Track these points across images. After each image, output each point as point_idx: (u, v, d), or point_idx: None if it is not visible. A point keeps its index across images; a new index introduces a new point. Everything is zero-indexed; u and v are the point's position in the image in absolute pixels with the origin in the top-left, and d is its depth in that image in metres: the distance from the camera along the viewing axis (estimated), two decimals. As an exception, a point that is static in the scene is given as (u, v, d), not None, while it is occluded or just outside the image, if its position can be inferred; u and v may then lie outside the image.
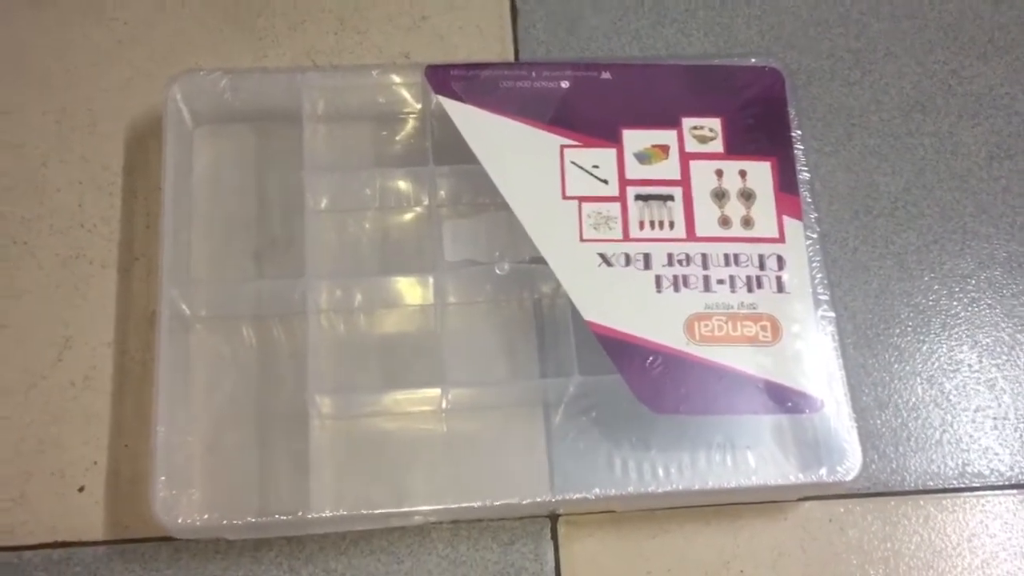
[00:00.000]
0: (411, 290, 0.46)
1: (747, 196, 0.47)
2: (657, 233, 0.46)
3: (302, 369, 0.43)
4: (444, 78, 0.48)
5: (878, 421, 0.48)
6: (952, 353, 0.50)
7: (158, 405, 0.42)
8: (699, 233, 0.46)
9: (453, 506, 0.42)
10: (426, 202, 0.48)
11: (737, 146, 0.48)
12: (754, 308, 0.45)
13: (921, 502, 0.47)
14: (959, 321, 0.51)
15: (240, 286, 0.47)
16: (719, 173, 0.47)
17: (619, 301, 0.44)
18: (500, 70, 0.49)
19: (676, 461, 0.44)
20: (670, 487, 0.43)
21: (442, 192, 0.48)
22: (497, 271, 0.45)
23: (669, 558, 0.45)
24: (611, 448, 0.44)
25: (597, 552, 0.45)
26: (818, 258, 0.46)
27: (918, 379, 0.49)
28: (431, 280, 0.45)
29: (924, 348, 0.50)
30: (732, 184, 0.47)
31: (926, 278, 0.51)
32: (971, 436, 0.49)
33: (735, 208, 0.47)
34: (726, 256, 0.46)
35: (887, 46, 0.56)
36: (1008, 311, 0.51)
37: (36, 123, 0.51)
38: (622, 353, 0.43)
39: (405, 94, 0.49)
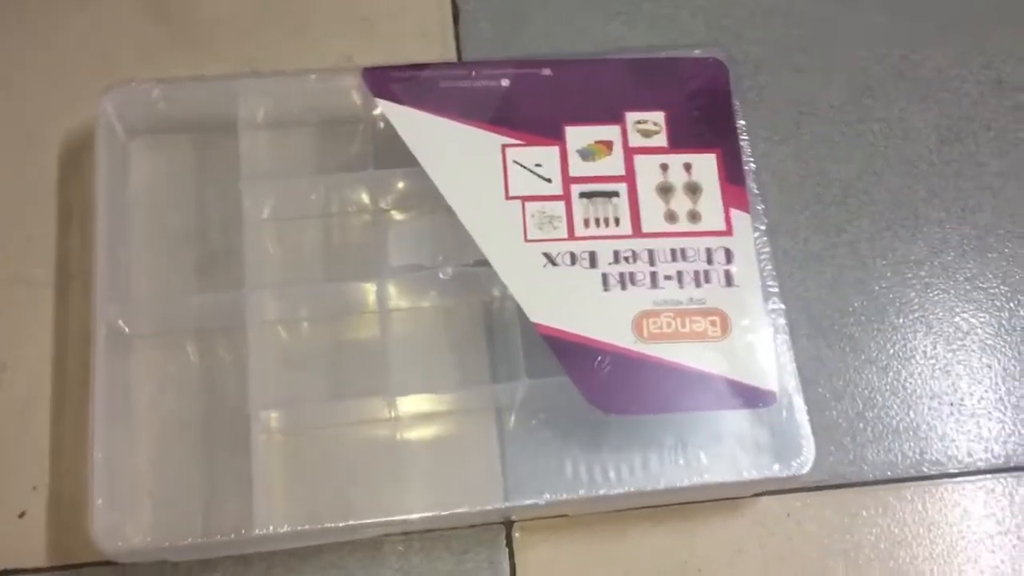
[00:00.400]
0: (355, 297, 0.45)
1: (693, 189, 0.46)
2: (603, 231, 0.45)
3: (244, 383, 0.42)
4: (383, 80, 0.47)
5: (834, 412, 0.48)
6: (907, 340, 0.50)
7: (94, 427, 0.41)
8: (645, 229, 0.45)
9: (402, 518, 0.41)
10: (369, 207, 0.47)
11: (682, 139, 0.47)
12: (703, 303, 0.44)
13: (880, 492, 0.47)
14: (913, 308, 0.50)
15: (180, 301, 0.46)
16: (664, 167, 0.47)
17: (566, 301, 0.44)
18: (439, 70, 0.48)
19: (628, 462, 0.43)
20: (622, 489, 0.42)
21: (387, 197, 0.47)
22: (441, 275, 0.44)
23: (626, 560, 0.44)
24: (563, 452, 0.43)
25: (553, 557, 0.44)
26: (766, 250, 0.45)
27: (873, 368, 0.49)
28: (374, 286, 0.44)
29: (879, 337, 0.49)
30: (678, 178, 0.46)
31: (879, 265, 0.51)
32: (928, 424, 0.48)
33: (681, 202, 0.46)
34: (673, 251, 0.45)
35: (834, 32, 0.55)
36: (962, 295, 0.51)
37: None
38: (570, 354, 0.43)
39: (345, 98, 0.48)
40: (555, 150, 0.46)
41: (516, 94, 0.47)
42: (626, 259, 0.45)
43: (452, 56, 0.53)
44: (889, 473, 0.47)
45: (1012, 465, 0.48)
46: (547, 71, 0.48)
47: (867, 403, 0.48)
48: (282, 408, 0.43)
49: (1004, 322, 0.50)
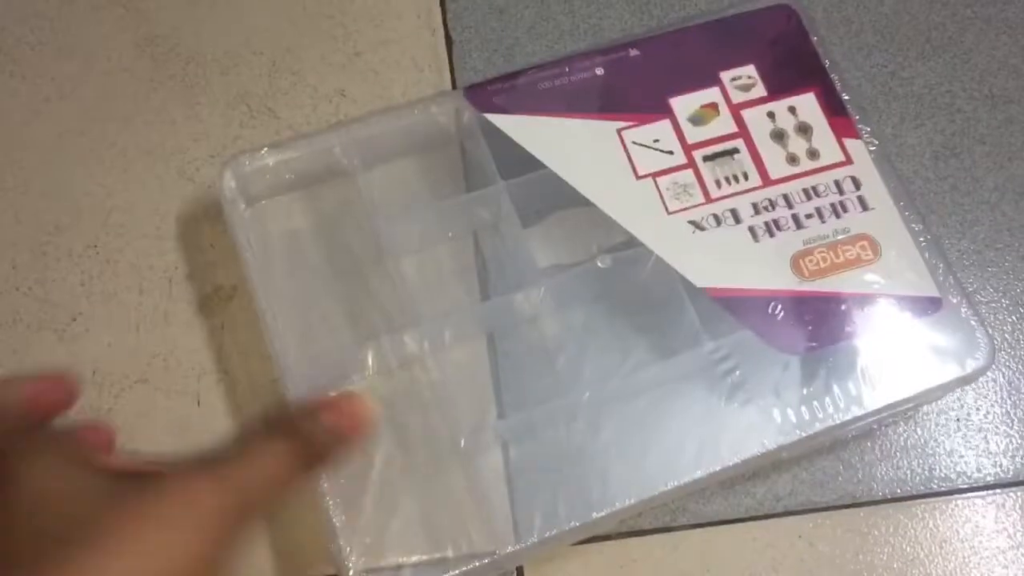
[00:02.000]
0: (524, 306, 0.46)
1: (804, 129, 0.48)
2: (735, 187, 0.47)
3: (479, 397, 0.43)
4: (484, 96, 0.48)
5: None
6: None
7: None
8: (773, 176, 0.47)
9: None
10: (505, 219, 0.48)
11: (778, 86, 0.49)
12: (848, 232, 0.46)
13: (890, 511, 0.47)
14: None
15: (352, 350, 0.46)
16: (771, 115, 0.48)
17: (723, 261, 0.45)
18: (535, 74, 0.49)
19: (830, 398, 0.44)
20: (839, 419, 0.44)
21: (524, 205, 0.47)
22: (600, 264, 0.46)
23: None
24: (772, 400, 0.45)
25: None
26: (886, 166, 0.48)
27: None
28: (539, 291, 0.45)
29: None
30: (787, 122, 0.48)
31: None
32: (936, 440, 0.48)
33: (797, 144, 0.48)
34: (805, 191, 0.47)
35: (824, 52, 0.53)
36: None
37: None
38: (743, 309, 0.44)
39: (444, 121, 0.49)
40: (667, 123, 0.48)
41: (613, 80, 0.49)
42: (765, 208, 0.46)
43: (447, 85, 0.54)
44: (899, 491, 0.47)
45: (1022, 479, 0.48)
46: (635, 51, 0.50)
47: None
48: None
49: (1007, 335, 0.50)
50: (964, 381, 0.45)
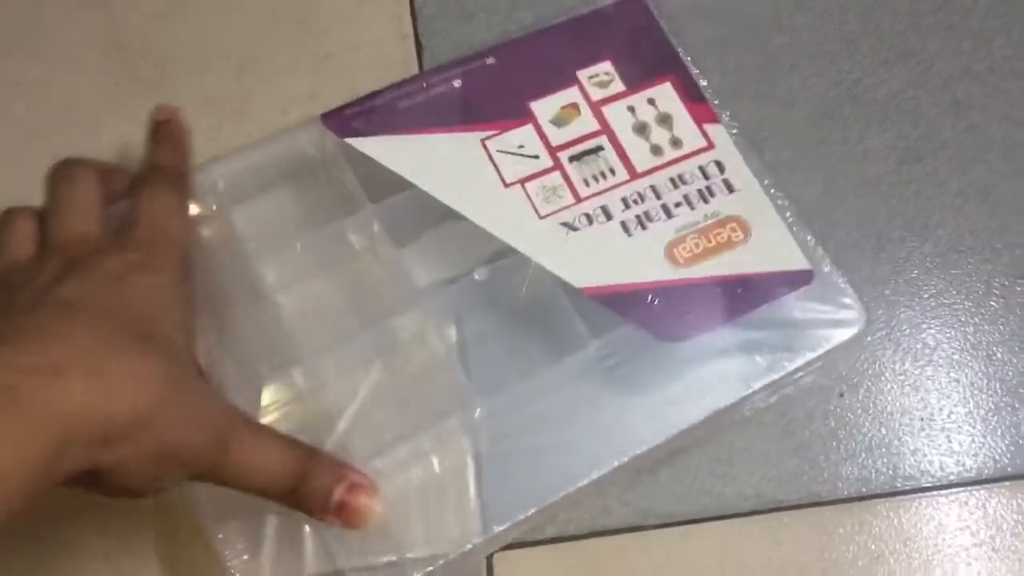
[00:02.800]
0: (409, 328, 0.46)
1: (664, 120, 0.49)
2: (604, 184, 0.47)
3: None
4: (342, 120, 0.47)
5: (807, 432, 0.49)
6: (876, 358, 0.50)
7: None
8: (639, 169, 0.48)
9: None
10: (376, 243, 0.47)
11: (635, 79, 0.50)
12: (717, 215, 0.47)
13: (855, 509, 0.48)
14: (880, 326, 0.51)
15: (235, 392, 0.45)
16: (631, 109, 0.49)
17: (599, 258, 0.46)
18: (391, 92, 0.48)
19: (716, 380, 0.45)
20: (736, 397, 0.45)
21: (395, 226, 0.47)
22: (477, 276, 0.46)
23: None
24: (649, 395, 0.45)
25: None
26: (748, 148, 0.48)
27: (844, 385, 0.50)
28: (418, 311, 0.45)
29: (848, 357, 0.50)
30: (647, 114, 0.49)
31: (842, 285, 0.49)
32: (900, 439, 0.49)
33: (660, 134, 0.49)
34: (672, 180, 0.47)
35: (791, 59, 0.56)
36: (928, 312, 0.51)
37: None
38: (623, 303, 0.45)
39: (313, 148, 0.48)
40: (530, 128, 0.48)
41: (471, 89, 0.49)
42: (635, 202, 0.47)
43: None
44: (864, 489, 0.48)
45: (984, 477, 0.49)
46: (490, 59, 0.50)
47: (839, 421, 0.49)
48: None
49: (970, 336, 0.51)
50: (844, 348, 0.46)
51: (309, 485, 0.38)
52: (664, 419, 0.44)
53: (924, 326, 0.51)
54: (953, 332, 0.51)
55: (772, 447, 0.49)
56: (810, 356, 0.45)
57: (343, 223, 0.47)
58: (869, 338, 0.51)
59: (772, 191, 0.48)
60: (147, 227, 0.40)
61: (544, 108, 0.48)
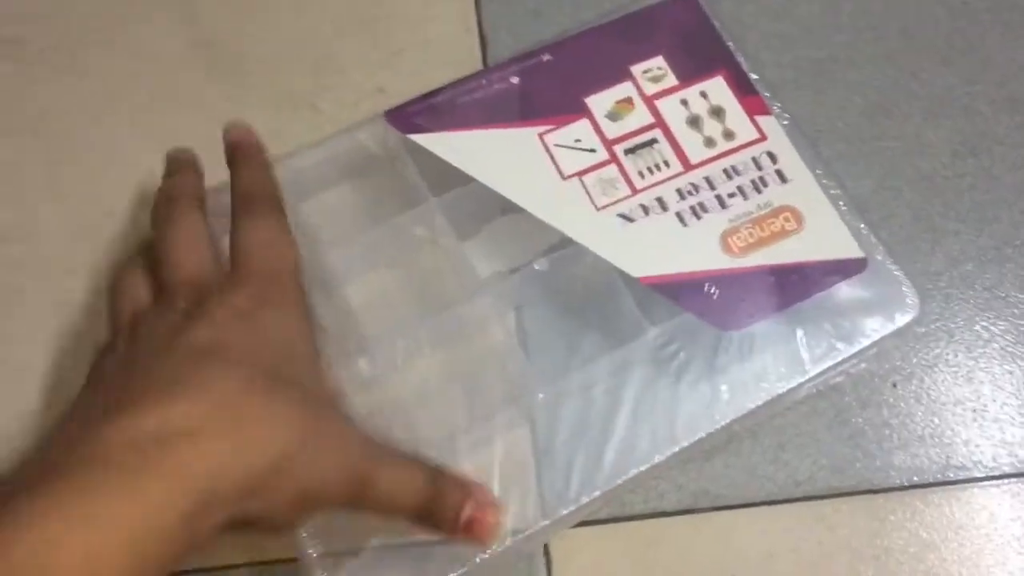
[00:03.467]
0: (471, 316, 0.47)
1: (717, 112, 0.50)
2: (658, 176, 0.48)
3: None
4: (405, 116, 0.49)
5: (860, 419, 0.50)
6: (929, 349, 0.51)
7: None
8: (693, 161, 0.49)
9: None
10: (441, 234, 0.49)
11: (687, 73, 0.51)
12: (771, 205, 0.48)
13: (907, 498, 0.48)
14: (934, 317, 0.52)
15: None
16: (684, 103, 0.50)
17: (656, 248, 0.47)
18: (452, 90, 0.50)
19: (769, 370, 0.46)
20: (783, 388, 0.46)
21: (446, 220, 0.49)
22: (536, 267, 0.47)
23: (658, 566, 0.47)
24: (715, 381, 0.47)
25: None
26: (799, 138, 0.49)
27: (898, 376, 0.50)
28: (485, 299, 0.46)
29: (902, 346, 0.51)
30: (700, 107, 0.50)
31: (895, 273, 0.49)
32: (953, 430, 0.49)
33: (712, 127, 0.50)
34: (725, 171, 0.49)
35: (849, 55, 0.57)
36: (982, 304, 0.52)
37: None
38: (681, 292, 0.46)
39: (373, 146, 0.50)
40: (585, 122, 0.49)
41: (529, 86, 0.50)
42: (689, 193, 0.48)
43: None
44: (916, 479, 0.49)
45: None
46: (547, 56, 0.51)
47: (892, 410, 0.50)
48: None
49: (1023, 329, 0.52)
50: (898, 335, 0.47)
51: (440, 504, 0.37)
52: (720, 406, 0.45)
53: (978, 318, 0.52)
54: (1007, 324, 0.52)
55: (825, 434, 0.49)
56: (864, 343, 0.46)
57: (406, 216, 0.48)
58: (923, 329, 0.51)
59: (824, 181, 0.49)
60: (260, 259, 0.40)
61: (599, 103, 0.50)
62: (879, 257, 0.47)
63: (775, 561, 0.47)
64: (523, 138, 0.49)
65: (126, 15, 0.58)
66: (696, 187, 0.48)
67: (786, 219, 0.48)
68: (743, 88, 0.51)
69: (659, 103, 0.50)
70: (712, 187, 0.48)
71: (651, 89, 0.50)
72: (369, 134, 0.50)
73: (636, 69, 0.51)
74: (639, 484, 0.47)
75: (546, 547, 0.47)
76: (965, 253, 0.53)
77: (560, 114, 0.49)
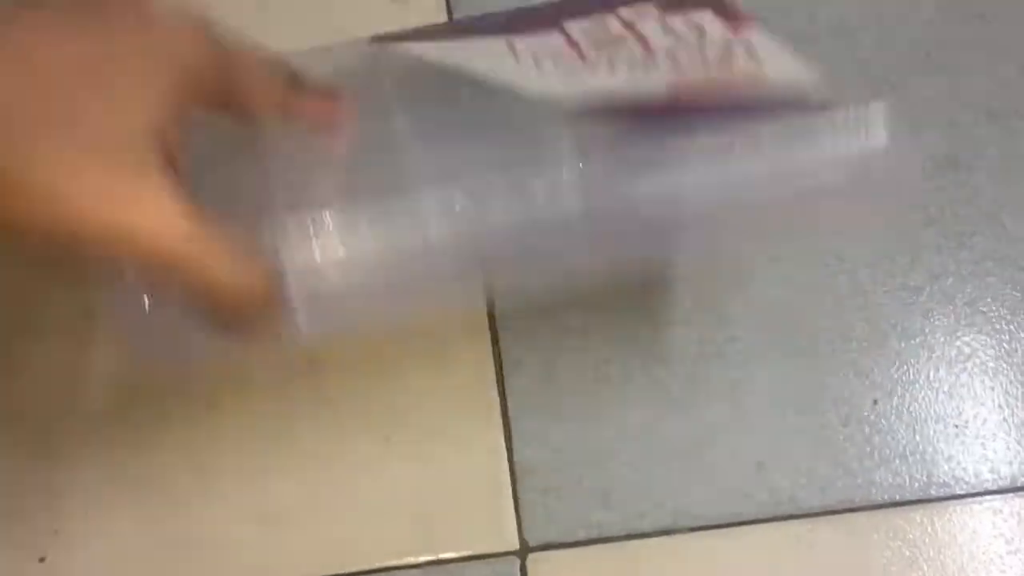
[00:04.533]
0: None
1: (696, 28, 0.46)
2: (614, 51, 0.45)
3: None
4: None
5: (841, 438, 0.49)
6: (909, 365, 0.50)
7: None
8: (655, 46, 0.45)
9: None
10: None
11: (674, 7, 0.48)
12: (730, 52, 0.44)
13: (889, 515, 0.48)
14: (915, 333, 0.51)
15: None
16: (662, 23, 0.47)
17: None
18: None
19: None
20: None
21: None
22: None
23: None
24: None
25: None
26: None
27: (879, 392, 0.50)
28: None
29: (882, 362, 0.50)
30: (677, 23, 0.46)
31: (879, 293, 0.52)
32: (934, 447, 0.49)
33: (687, 33, 0.46)
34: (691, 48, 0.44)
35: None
36: (963, 320, 0.52)
37: None
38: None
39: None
40: (556, 33, 0.47)
41: (511, 20, 0.49)
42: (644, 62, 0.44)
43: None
44: (898, 496, 0.48)
45: (1019, 485, 0.49)
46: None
47: (873, 427, 0.49)
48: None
49: (1005, 344, 0.52)
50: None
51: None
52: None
53: (959, 333, 0.51)
54: (988, 339, 0.51)
55: (806, 452, 0.49)
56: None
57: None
58: (903, 344, 0.51)
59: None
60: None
61: (577, 25, 0.48)
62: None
63: (755, 580, 0.46)
64: (491, 41, 0.47)
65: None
66: (653, 57, 0.44)
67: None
68: (731, 16, 0.47)
69: (638, 24, 0.48)
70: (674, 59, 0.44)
71: (632, 18, 0.49)
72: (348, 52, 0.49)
73: (623, 9, 0.49)
74: (616, 503, 0.47)
75: (524, 569, 0.47)
76: (945, 267, 0.52)
77: (535, 32, 0.48)
